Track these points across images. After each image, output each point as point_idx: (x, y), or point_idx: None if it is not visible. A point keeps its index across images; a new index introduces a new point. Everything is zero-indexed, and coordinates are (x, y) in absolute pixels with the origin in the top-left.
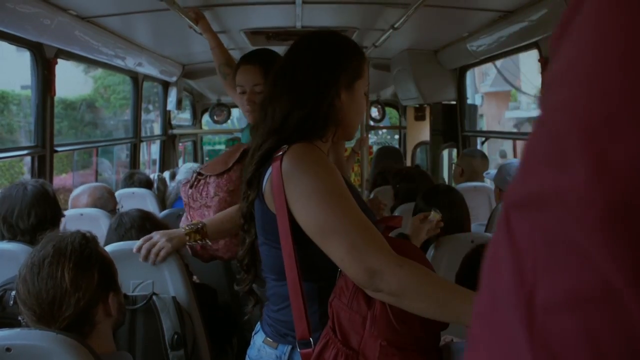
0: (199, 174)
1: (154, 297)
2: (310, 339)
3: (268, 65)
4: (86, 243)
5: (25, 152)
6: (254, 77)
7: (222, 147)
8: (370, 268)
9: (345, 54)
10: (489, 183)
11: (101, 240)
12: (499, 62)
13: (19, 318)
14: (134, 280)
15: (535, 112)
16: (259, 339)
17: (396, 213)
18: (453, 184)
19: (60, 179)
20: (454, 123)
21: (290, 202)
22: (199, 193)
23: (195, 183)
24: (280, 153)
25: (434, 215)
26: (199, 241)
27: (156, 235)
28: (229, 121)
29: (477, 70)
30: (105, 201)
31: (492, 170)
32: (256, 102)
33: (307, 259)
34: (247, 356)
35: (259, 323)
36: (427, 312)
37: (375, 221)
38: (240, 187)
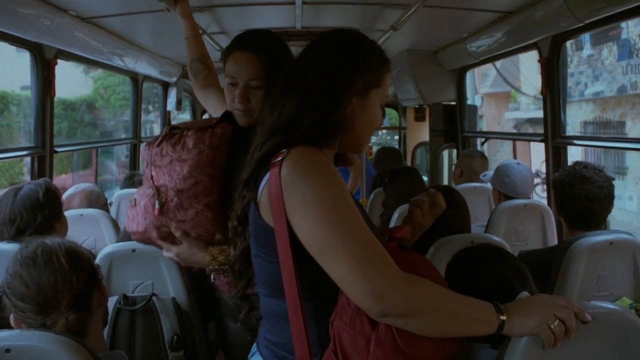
0: (173, 127)
1: (154, 298)
2: None
3: (272, 56)
4: (68, 241)
5: (25, 152)
6: (252, 69)
7: None
8: (375, 290)
9: (365, 55)
10: (487, 184)
11: (101, 241)
12: (498, 63)
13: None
14: (134, 281)
15: (535, 113)
16: None
17: (396, 214)
18: (453, 185)
19: (60, 180)
20: (454, 124)
21: (289, 212)
22: (171, 146)
23: (168, 137)
24: (279, 158)
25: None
26: (221, 266)
27: (187, 239)
28: None
29: (476, 71)
30: (97, 195)
31: (490, 172)
32: (251, 102)
33: (307, 275)
34: None
35: (255, 344)
36: (439, 330)
37: (378, 232)
38: (236, 181)
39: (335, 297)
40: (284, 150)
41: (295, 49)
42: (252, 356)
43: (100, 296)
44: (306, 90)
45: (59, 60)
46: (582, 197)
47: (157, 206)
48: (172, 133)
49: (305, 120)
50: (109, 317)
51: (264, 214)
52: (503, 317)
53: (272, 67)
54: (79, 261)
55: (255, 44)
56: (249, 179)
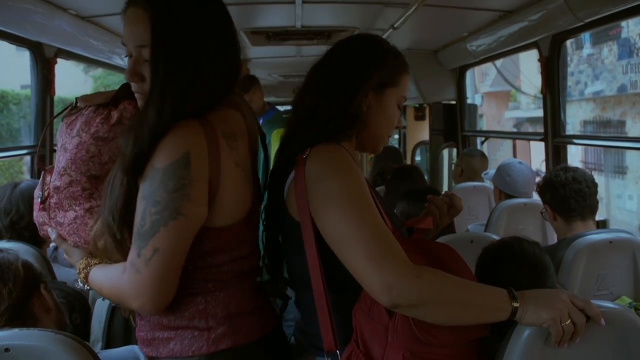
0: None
1: None
2: (337, 351)
3: (168, 15)
4: (2, 253)
5: (24, 151)
6: (142, 33)
7: None
8: (385, 282)
9: (382, 55)
10: (487, 183)
11: None
12: (498, 62)
13: None
14: None
15: (535, 112)
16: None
17: (395, 212)
18: (453, 184)
19: None
20: (454, 123)
21: (312, 207)
22: (66, 127)
23: (69, 113)
24: (304, 157)
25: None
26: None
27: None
28: None
29: (476, 70)
30: None
31: (491, 170)
32: (145, 78)
33: (332, 268)
34: None
35: (292, 336)
36: (452, 319)
37: (401, 224)
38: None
39: (360, 288)
40: (307, 149)
41: (296, 48)
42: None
43: (43, 302)
44: (324, 86)
45: (58, 59)
46: (570, 180)
47: (39, 199)
48: (78, 107)
49: (322, 114)
50: (105, 316)
51: (291, 210)
52: (516, 304)
53: (165, 29)
54: (10, 271)
55: None
56: (276, 174)
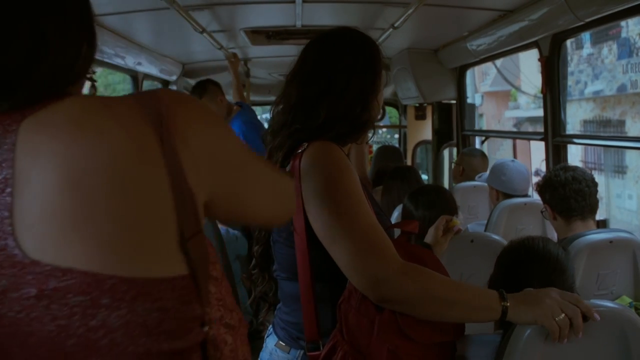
0: None
1: None
2: (320, 342)
3: None
4: None
5: None
6: None
7: None
8: (374, 276)
9: (379, 57)
10: None
11: None
12: (498, 62)
13: None
14: None
15: (535, 112)
16: (271, 342)
17: (395, 212)
18: (453, 184)
19: None
20: (454, 122)
21: (305, 201)
22: None
23: None
24: (300, 151)
25: (455, 222)
26: None
27: None
28: None
29: (477, 69)
30: None
31: (485, 174)
32: None
33: (320, 259)
34: (259, 359)
35: (271, 325)
36: (439, 316)
37: (388, 226)
38: None
39: (344, 280)
40: (304, 143)
41: (296, 47)
42: (268, 336)
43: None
44: (339, 97)
45: None
46: (569, 180)
47: None
48: None
49: (339, 124)
50: None
51: None
52: (506, 304)
53: None
54: None
55: None
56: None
